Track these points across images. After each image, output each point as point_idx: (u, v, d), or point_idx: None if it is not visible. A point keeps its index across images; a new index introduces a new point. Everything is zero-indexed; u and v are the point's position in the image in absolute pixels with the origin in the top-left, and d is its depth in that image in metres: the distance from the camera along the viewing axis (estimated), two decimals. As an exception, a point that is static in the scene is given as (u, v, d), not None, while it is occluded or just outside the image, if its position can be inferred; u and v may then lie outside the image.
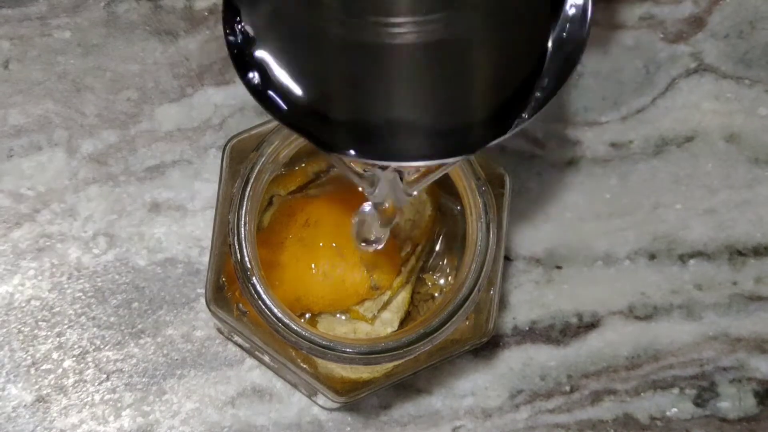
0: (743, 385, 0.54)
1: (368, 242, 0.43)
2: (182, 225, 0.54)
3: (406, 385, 0.53)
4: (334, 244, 0.47)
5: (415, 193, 0.39)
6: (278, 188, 0.48)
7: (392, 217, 0.40)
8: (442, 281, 0.49)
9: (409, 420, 0.53)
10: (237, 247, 0.43)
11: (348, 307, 0.47)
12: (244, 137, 0.46)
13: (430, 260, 0.49)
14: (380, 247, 0.43)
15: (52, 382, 0.52)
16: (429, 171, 0.38)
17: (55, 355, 0.53)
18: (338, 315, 0.48)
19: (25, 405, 0.52)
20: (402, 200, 0.39)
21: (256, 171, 0.44)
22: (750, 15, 0.58)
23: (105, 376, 0.52)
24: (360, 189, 0.39)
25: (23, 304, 0.53)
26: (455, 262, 0.49)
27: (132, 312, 0.53)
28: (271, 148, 0.44)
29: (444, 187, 0.48)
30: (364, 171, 0.38)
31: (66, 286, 0.53)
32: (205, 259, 0.53)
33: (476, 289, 0.43)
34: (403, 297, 0.48)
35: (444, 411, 0.53)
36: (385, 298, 0.48)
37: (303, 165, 0.49)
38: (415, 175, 0.38)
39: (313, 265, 0.47)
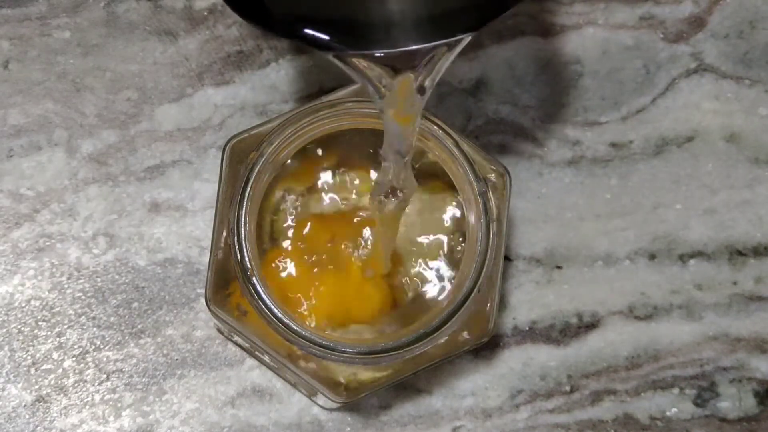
0: (743, 385, 0.54)
1: (394, 194, 0.42)
2: (182, 225, 0.54)
3: (406, 385, 0.53)
4: (358, 262, 0.47)
5: (428, 91, 0.38)
6: (286, 187, 0.48)
7: (410, 130, 0.40)
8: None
9: (409, 420, 0.53)
10: (237, 247, 0.43)
11: (368, 321, 0.47)
12: (244, 137, 0.46)
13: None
14: (405, 201, 0.42)
15: (52, 382, 0.52)
16: (437, 59, 0.37)
17: (55, 355, 0.53)
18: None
19: (25, 405, 0.52)
20: (417, 103, 0.39)
21: (256, 171, 0.44)
22: (750, 15, 0.58)
23: (105, 376, 0.52)
24: (372, 92, 0.38)
25: (23, 304, 0.53)
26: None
27: (132, 312, 0.53)
28: (271, 148, 0.44)
29: (446, 187, 0.48)
30: (375, 78, 0.38)
31: (66, 286, 0.53)
32: (205, 259, 0.53)
33: (476, 289, 0.43)
34: None
35: (444, 411, 0.53)
36: None
37: (307, 163, 0.49)
38: (423, 71, 0.37)
39: (338, 283, 0.47)
